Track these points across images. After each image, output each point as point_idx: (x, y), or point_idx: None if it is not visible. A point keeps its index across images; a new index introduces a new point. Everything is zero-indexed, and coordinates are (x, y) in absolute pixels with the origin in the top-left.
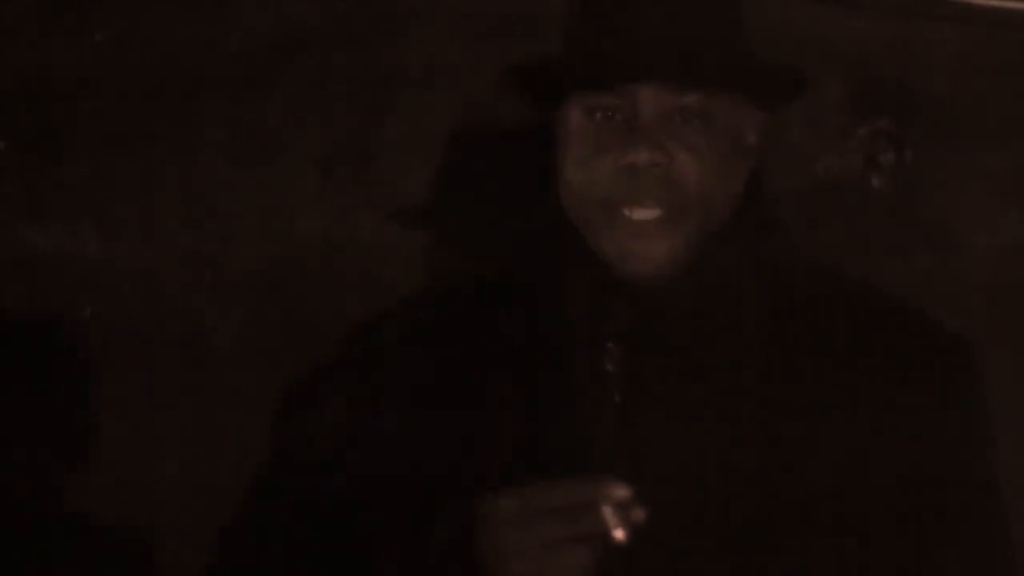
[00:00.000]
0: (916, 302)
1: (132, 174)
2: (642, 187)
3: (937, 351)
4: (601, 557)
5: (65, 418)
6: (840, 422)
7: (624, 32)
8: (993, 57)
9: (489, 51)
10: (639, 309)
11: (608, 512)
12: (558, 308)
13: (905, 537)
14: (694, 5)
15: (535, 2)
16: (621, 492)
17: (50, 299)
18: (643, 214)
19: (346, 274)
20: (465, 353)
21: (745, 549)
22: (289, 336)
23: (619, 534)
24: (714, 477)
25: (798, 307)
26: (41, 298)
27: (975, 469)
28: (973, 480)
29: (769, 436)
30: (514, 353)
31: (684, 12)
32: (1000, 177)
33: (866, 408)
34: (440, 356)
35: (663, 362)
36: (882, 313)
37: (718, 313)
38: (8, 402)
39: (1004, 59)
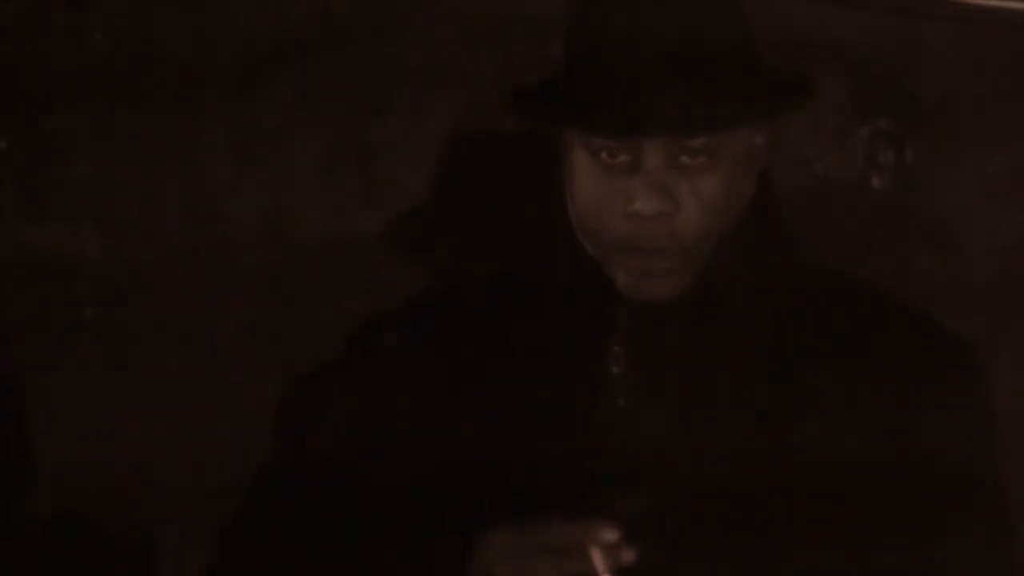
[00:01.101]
0: (917, 302)
1: (132, 174)
2: (648, 233)
3: (938, 351)
4: None
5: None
6: (843, 423)
7: (627, 85)
8: (993, 57)
9: (489, 51)
10: (644, 312)
11: (596, 555)
12: (562, 310)
13: (908, 536)
14: (699, 42)
15: (535, 2)
16: (610, 535)
17: (50, 299)
18: (649, 264)
19: (346, 274)
20: (467, 354)
21: (750, 550)
22: (289, 336)
23: None
24: (718, 479)
25: (801, 308)
26: (41, 298)
27: (976, 469)
28: (974, 480)
29: (774, 437)
30: (517, 355)
31: (689, 51)
32: (1000, 177)
33: (868, 409)
34: (442, 357)
35: (668, 365)
36: (883, 313)
37: (722, 315)
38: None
39: (1004, 59)
